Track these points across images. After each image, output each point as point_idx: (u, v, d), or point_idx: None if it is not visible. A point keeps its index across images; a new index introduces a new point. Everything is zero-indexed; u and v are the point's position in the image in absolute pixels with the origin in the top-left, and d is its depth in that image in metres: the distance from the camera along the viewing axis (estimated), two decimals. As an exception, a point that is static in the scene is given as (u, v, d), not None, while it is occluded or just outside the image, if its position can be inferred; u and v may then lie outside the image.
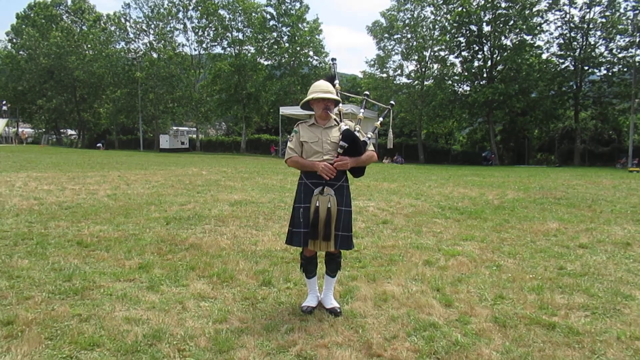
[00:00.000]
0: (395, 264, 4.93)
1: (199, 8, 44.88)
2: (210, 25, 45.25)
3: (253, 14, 42.73)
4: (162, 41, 47.10)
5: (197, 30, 46.41)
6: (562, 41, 35.05)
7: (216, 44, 45.82)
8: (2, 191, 9.66)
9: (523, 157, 37.46)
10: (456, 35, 35.84)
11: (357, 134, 3.53)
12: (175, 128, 50.71)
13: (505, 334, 3.26)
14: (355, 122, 3.67)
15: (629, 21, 31.71)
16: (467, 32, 35.60)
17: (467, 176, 17.49)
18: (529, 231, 6.78)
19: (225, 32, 44.25)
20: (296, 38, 40.02)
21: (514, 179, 16.12)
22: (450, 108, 36.28)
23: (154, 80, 45.92)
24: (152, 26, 47.38)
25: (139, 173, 14.92)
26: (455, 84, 37.66)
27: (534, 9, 34.16)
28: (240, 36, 44.45)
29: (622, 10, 32.47)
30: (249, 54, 43.64)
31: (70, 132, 62.23)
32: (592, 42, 34.31)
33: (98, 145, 47.64)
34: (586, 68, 34.48)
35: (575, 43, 34.72)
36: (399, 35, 38.55)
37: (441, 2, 35.93)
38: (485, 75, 36.19)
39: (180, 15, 47.02)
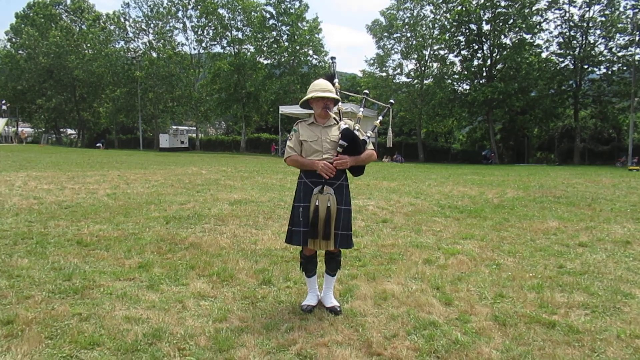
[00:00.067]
0: (395, 263, 4.93)
1: (199, 7, 44.84)
2: (210, 24, 45.22)
3: (252, 13, 42.69)
4: (162, 40, 47.03)
5: (196, 29, 46.38)
6: (561, 40, 35.04)
7: (215, 43, 45.81)
8: (2, 190, 9.66)
9: (523, 156, 37.46)
10: (456, 34, 35.82)
11: (357, 133, 3.52)
12: (174, 127, 50.68)
13: (505, 332, 3.26)
14: (355, 120, 3.67)
15: (629, 20, 31.70)
16: (467, 30, 35.58)
17: (467, 175, 17.50)
18: (528, 230, 6.78)
19: (225, 31, 44.21)
20: (296, 37, 39.98)
21: (513, 177, 16.12)
22: (449, 107, 36.28)
23: (154, 79, 45.88)
24: (152, 25, 47.33)
25: (138, 172, 14.92)
26: (455, 83, 37.65)
27: (534, 8, 34.13)
28: (240, 35, 44.43)
29: (621, 9, 32.51)
30: (249, 53, 43.61)
31: (69, 131, 62.18)
32: (592, 41, 34.31)
33: (98, 144, 47.60)
34: (586, 67, 34.47)
35: (574, 42, 34.71)
36: (398, 34, 38.53)
37: (441, 1, 35.89)
38: (484, 74, 36.18)
39: (180, 14, 46.99)
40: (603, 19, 32.94)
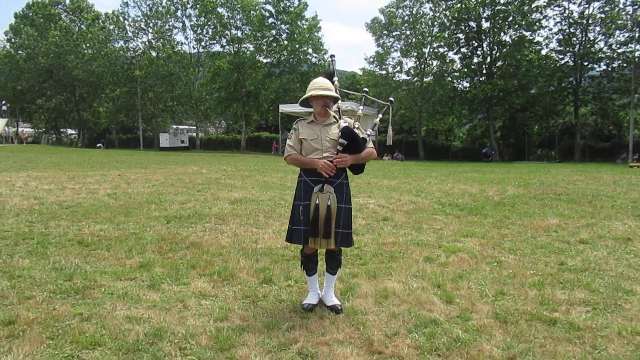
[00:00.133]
0: (396, 261, 4.93)
1: (198, 6, 44.81)
2: (209, 23, 45.20)
3: (251, 12, 42.66)
4: (161, 39, 47.01)
5: (195, 28, 46.36)
6: (561, 37, 34.96)
7: (215, 42, 45.79)
8: (3, 191, 9.66)
9: (523, 153, 37.42)
10: (455, 32, 35.76)
11: (357, 131, 3.51)
12: (175, 126, 50.64)
13: (506, 329, 3.26)
14: (355, 119, 3.66)
15: (628, 16, 31.62)
16: (466, 28, 35.50)
17: (467, 172, 17.49)
18: (529, 227, 6.77)
19: (224, 30, 44.19)
20: (295, 35, 39.95)
21: (514, 175, 16.11)
22: (449, 104, 36.23)
23: (153, 78, 45.86)
24: (151, 25, 47.30)
25: (139, 172, 14.92)
26: (455, 81, 37.58)
27: (533, 5, 34.05)
28: (239, 34, 44.40)
29: (621, 6, 32.38)
30: (248, 52, 43.59)
31: (70, 131, 62.20)
32: (592, 38, 34.23)
33: (98, 145, 47.58)
34: (586, 63, 34.39)
35: (574, 39, 34.63)
36: (398, 32, 38.51)
37: (440, -2, 35.88)
38: (484, 71, 36.12)
39: (179, 13, 46.96)
40: (603, 15, 32.86)
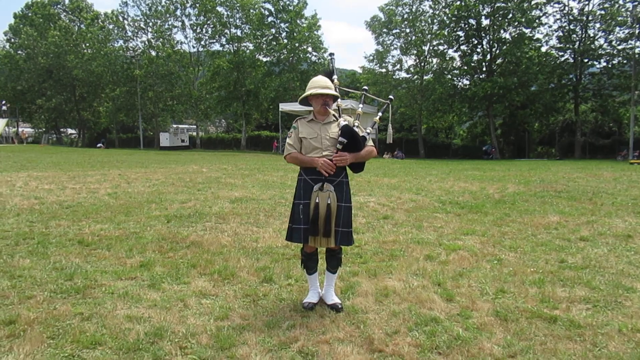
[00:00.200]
0: (396, 259, 4.93)
1: (197, 5, 44.81)
2: (209, 22, 45.20)
3: (251, 11, 42.63)
4: (161, 39, 47.00)
5: (195, 27, 46.34)
6: (561, 34, 34.94)
7: (215, 41, 45.79)
8: (3, 191, 9.67)
9: (523, 151, 37.43)
10: (455, 29, 35.74)
11: (356, 130, 3.50)
12: (175, 126, 50.72)
13: (506, 327, 3.26)
14: (354, 117, 3.66)
15: (628, 13, 31.60)
16: (466, 25, 35.48)
17: (468, 170, 17.48)
18: (529, 225, 6.77)
19: (224, 29, 44.18)
20: (295, 34, 39.95)
21: (514, 172, 16.10)
22: (450, 102, 36.23)
23: (153, 78, 45.86)
24: (150, 24, 47.29)
25: (139, 171, 14.92)
26: (455, 78, 37.59)
27: (533, 2, 34.03)
28: (239, 33, 44.39)
29: (621, 2, 32.37)
30: (248, 51, 43.58)
31: (70, 131, 62.23)
32: (592, 35, 34.20)
33: (99, 145, 47.61)
34: (586, 60, 34.38)
35: (574, 35, 34.61)
36: (397, 30, 38.49)
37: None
38: (484, 69, 36.12)
39: (178, 12, 46.96)
40: (603, 12, 32.84)
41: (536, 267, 4.65)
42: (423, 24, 37.99)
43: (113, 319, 3.32)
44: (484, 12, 34.74)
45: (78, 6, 52.68)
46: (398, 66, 39.70)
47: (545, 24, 37.74)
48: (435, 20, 37.29)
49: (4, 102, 51.50)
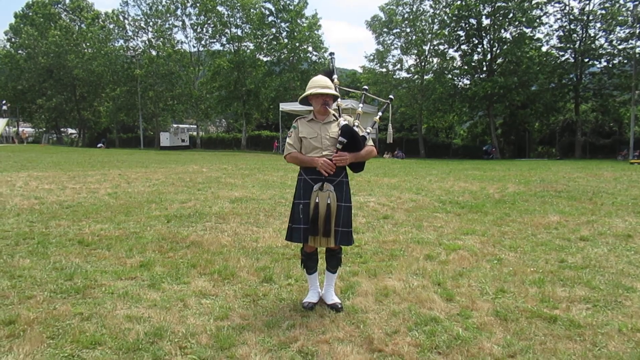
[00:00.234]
0: (396, 259, 4.92)
1: (197, 5, 44.82)
2: (209, 22, 45.20)
3: (251, 10, 42.64)
4: (161, 38, 47.03)
5: (195, 27, 46.36)
6: (561, 33, 34.92)
7: (215, 40, 45.79)
8: (3, 191, 9.67)
9: (524, 151, 37.41)
10: (455, 29, 35.72)
11: (356, 129, 3.50)
12: (175, 125, 50.68)
13: (506, 327, 3.26)
14: (354, 117, 3.65)
15: (629, 12, 31.57)
16: (467, 25, 35.47)
17: (468, 170, 17.48)
18: (530, 224, 6.77)
19: (224, 28, 44.18)
20: (295, 34, 39.94)
21: (514, 172, 16.10)
22: (450, 102, 36.22)
23: (154, 77, 45.87)
24: (151, 23, 47.31)
25: (139, 171, 14.93)
26: (455, 78, 37.58)
27: (533, 1, 34.01)
28: (239, 32, 44.40)
29: (621, 2, 32.34)
30: (248, 50, 43.58)
31: (70, 131, 62.25)
32: (592, 34, 34.18)
33: (99, 145, 47.62)
34: (586, 60, 34.36)
35: (575, 35, 34.58)
36: (398, 30, 38.48)
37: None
38: (485, 68, 36.10)
39: (179, 12, 46.97)
40: (603, 11, 32.81)
41: (536, 267, 4.65)
42: (423, 24, 37.99)
43: (113, 319, 3.32)
44: (485, 11, 34.73)
45: (78, 6, 52.72)
46: (398, 66, 39.74)
47: (546, 23, 37.78)
48: (435, 20, 37.29)
49: (4, 101, 51.52)
